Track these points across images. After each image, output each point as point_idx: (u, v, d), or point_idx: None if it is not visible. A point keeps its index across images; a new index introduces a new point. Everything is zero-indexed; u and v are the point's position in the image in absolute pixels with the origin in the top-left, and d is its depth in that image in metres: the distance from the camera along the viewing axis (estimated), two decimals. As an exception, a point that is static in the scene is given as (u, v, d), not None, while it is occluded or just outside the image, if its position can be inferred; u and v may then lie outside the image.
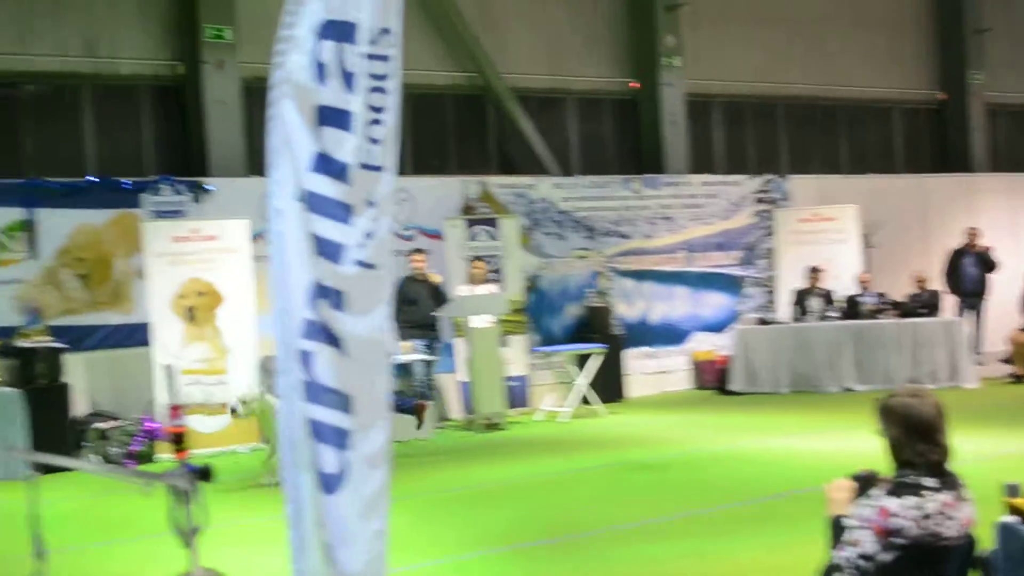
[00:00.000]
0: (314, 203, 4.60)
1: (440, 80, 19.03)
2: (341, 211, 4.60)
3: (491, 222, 17.40)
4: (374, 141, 4.67)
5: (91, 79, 16.82)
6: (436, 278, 16.11)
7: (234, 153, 16.88)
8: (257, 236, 15.46)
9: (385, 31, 4.67)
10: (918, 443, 4.92)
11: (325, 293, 4.57)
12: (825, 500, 5.14)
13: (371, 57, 4.64)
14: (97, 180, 15.60)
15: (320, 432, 4.55)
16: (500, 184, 18.24)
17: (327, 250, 4.59)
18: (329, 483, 4.55)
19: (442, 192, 17.51)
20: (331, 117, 4.62)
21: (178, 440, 3.71)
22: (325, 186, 4.60)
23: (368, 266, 4.63)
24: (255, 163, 17.06)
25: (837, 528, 4.97)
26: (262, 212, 15.54)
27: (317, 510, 4.55)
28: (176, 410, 4.15)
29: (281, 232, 4.63)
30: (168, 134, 17.38)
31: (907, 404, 4.97)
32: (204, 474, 3.59)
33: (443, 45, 19.04)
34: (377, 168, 4.68)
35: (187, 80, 17.15)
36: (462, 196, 17.73)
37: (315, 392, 4.55)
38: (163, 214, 15.54)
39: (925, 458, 4.91)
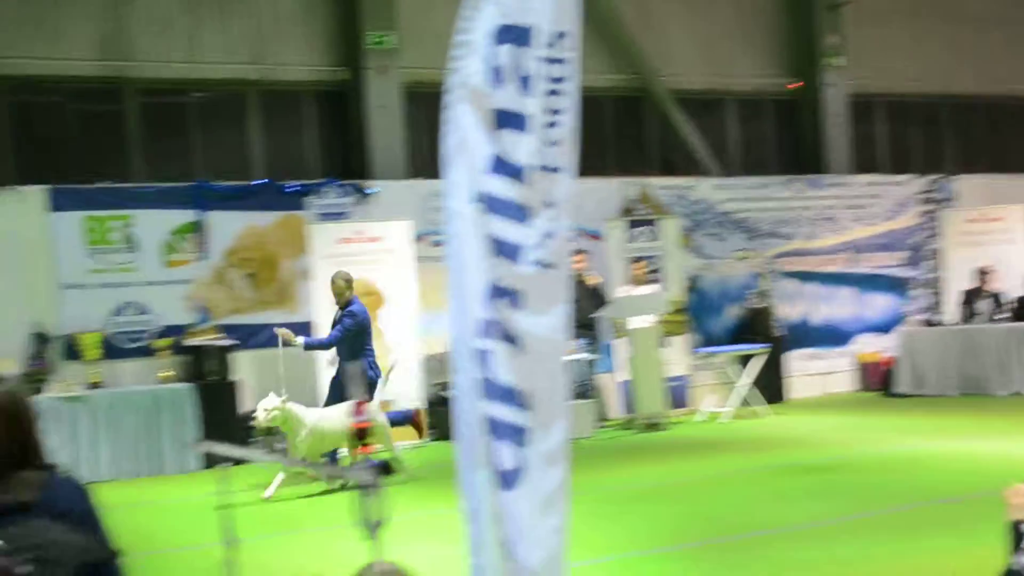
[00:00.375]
0: (491, 204, 4.62)
1: (599, 82, 19.02)
2: (518, 212, 4.62)
3: (651, 223, 17.35)
4: (552, 143, 4.68)
5: (257, 85, 17.20)
6: (595, 279, 16.11)
7: (396, 156, 17.10)
8: (419, 237, 15.67)
9: (562, 34, 4.70)
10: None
11: (502, 293, 4.59)
12: (1005, 504, 5.01)
13: (548, 60, 4.67)
14: (264, 183, 15.93)
15: (497, 429, 4.56)
16: (660, 185, 18.20)
17: (504, 250, 4.60)
18: (506, 480, 4.56)
19: (602, 193, 17.52)
20: (508, 120, 4.64)
21: (362, 435, 3.74)
22: (502, 187, 4.62)
23: (547, 266, 4.65)
24: (416, 165, 17.29)
25: (1017, 533, 4.85)
26: (423, 213, 15.93)
27: (494, 507, 4.57)
28: (361, 406, 4.20)
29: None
30: (332, 138, 17.68)
31: None
32: (387, 469, 3.65)
33: (602, 47, 19.05)
34: (555, 169, 4.70)
35: (350, 85, 17.43)
36: (622, 197, 17.73)
37: (492, 390, 4.57)
38: (327, 216, 15.82)
39: None
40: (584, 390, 15.77)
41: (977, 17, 22.37)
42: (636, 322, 15.88)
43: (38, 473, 3.69)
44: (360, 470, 3.49)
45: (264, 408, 11.91)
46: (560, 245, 4.69)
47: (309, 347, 13.20)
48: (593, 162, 18.83)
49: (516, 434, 4.57)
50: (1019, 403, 16.50)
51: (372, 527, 3.54)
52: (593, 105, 18.98)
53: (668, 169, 19.74)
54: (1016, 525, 4.89)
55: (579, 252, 16.20)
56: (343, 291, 12.96)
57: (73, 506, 3.67)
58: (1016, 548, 4.81)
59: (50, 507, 3.60)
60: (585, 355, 15.83)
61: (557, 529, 4.61)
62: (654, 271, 17.01)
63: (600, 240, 17.10)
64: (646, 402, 15.79)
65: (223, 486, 4.73)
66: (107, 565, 3.60)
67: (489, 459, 4.57)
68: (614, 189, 17.75)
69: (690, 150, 19.73)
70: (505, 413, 4.56)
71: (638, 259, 16.72)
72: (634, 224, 17.26)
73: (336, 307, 13.09)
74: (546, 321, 4.63)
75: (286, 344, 12.84)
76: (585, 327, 15.92)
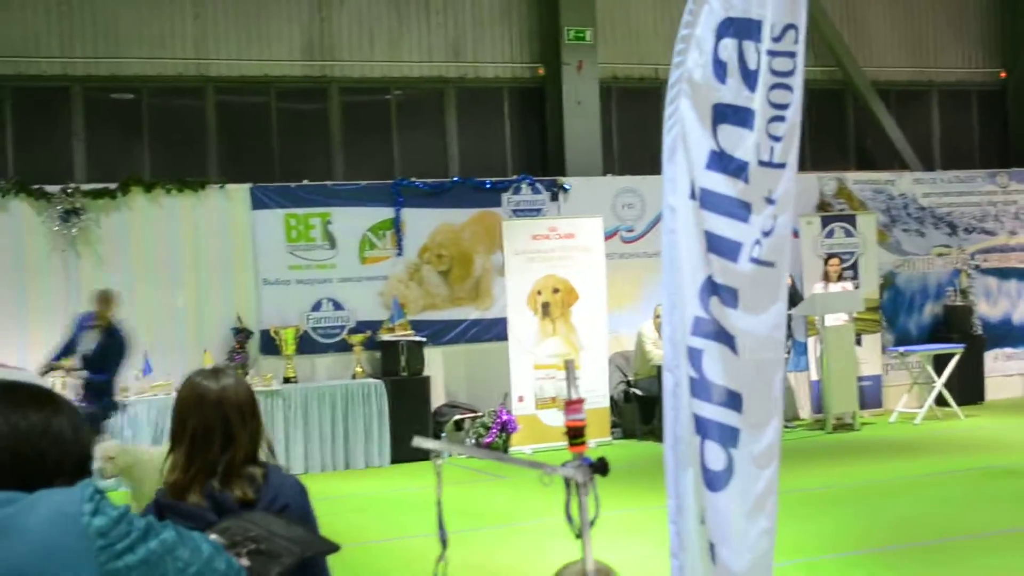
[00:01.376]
0: (709, 200, 4.57)
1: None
2: (738, 208, 4.56)
3: (848, 219, 17.09)
4: (775, 138, 4.61)
5: (456, 83, 17.49)
6: (788, 277, 15.90)
7: (591, 152, 17.19)
8: (611, 234, 15.74)
9: (790, 26, 4.63)
10: None
11: (718, 290, 4.54)
12: None
13: (774, 54, 4.60)
14: (459, 180, 16.17)
15: (706, 429, 4.54)
16: (858, 180, 17.93)
17: (722, 247, 4.56)
18: (714, 480, 4.54)
19: (798, 188, 17.12)
20: (730, 115, 4.59)
21: (576, 433, 3.77)
22: (721, 184, 4.57)
23: (765, 263, 4.57)
24: (610, 162, 17.35)
25: None
26: (615, 210, 15.95)
27: (700, 507, 4.56)
28: (574, 404, 4.23)
29: (674, 230, 4.64)
30: (527, 135, 17.86)
31: None
32: (600, 467, 3.68)
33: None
34: (778, 165, 4.65)
35: (547, 81, 17.56)
36: (818, 192, 17.51)
37: (703, 389, 4.54)
38: (521, 212, 15.98)
39: None
40: (775, 388, 15.62)
41: None
42: (830, 320, 15.68)
43: (261, 469, 3.80)
44: (573, 468, 3.54)
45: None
46: (779, 243, 4.63)
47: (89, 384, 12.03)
48: (789, 157, 18.62)
49: (726, 434, 4.54)
50: None
51: (583, 525, 3.60)
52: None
53: (867, 163, 19.42)
54: None
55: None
56: (107, 310, 12.20)
57: (291, 502, 3.77)
58: None
59: (271, 503, 3.71)
60: (779, 352, 15.67)
61: (766, 531, 4.58)
62: (849, 268, 16.77)
63: (795, 236, 16.90)
64: (838, 402, 15.60)
65: (435, 478, 4.82)
66: (316, 560, 3.67)
67: (697, 458, 4.57)
68: (811, 184, 17.53)
69: (891, 143, 19.37)
70: (715, 413, 4.53)
71: (833, 255, 16.49)
72: (830, 220, 17.03)
73: (94, 326, 12.18)
74: (762, 320, 4.57)
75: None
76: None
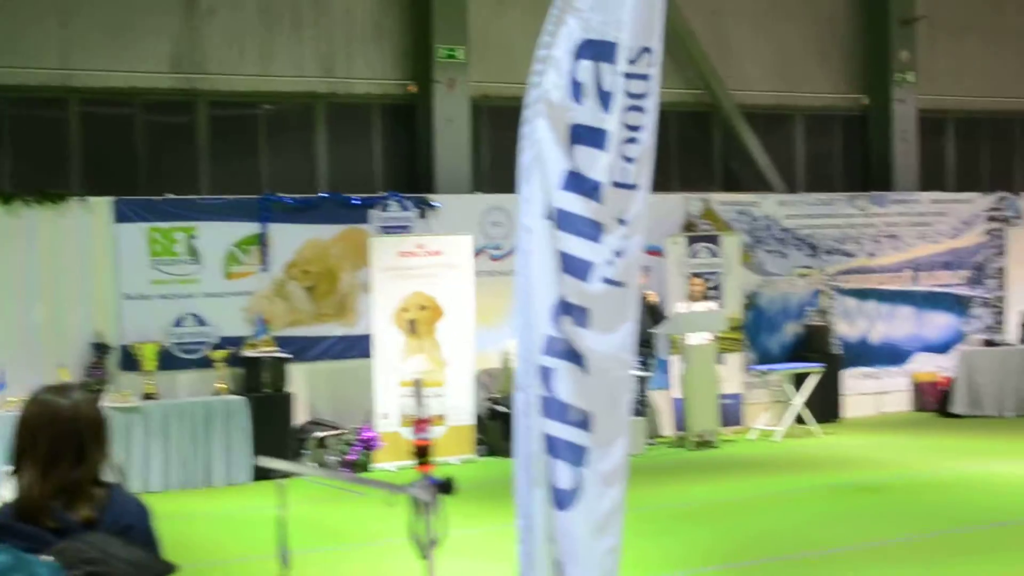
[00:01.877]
0: (563, 221, 4.62)
1: (666, 96, 18.72)
2: (591, 229, 4.61)
3: (713, 239, 17.36)
4: (629, 160, 4.68)
5: (326, 98, 17.42)
6: (653, 296, 16.12)
7: (460, 170, 17.25)
8: (479, 252, 15.80)
9: (646, 50, 4.69)
10: None
11: (569, 310, 4.59)
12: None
13: (630, 76, 4.66)
14: (328, 196, 16.10)
15: (556, 448, 4.58)
16: (723, 201, 18.19)
17: (574, 267, 4.60)
18: (563, 499, 4.58)
19: (664, 209, 17.50)
20: (585, 136, 4.64)
21: (422, 453, 3.79)
22: (575, 204, 4.62)
23: (615, 283, 4.63)
24: (480, 180, 17.42)
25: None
26: (483, 228, 16.02)
27: (549, 526, 4.59)
28: (422, 423, 4.24)
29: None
30: (397, 151, 17.86)
31: None
32: (446, 487, 3.69)
33: (670, 61, 18.99)
34: (631, 187, 4.70)
35: (418, 99, 17.58)
36: (684, 213, 17.74)
37: (553, 408, 4.58)
38: (389, 229, 15.95)
39: None
40: (637, 407, 15.83)
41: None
42: (693, 339, 15.90)
43: (104, 489, 3.68)
44: (419, 488, 3.54)
45: None
46: (630, 263, 4.68)
47: None
48: (656, 177, 18.77)
49: (575, 453, 4.58)
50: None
51: (427, 545, 3.60)
52: (659, 119, 18.99)
53: (732, 185, 19.74)
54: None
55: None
56: None
57: (134, 523, 3.67)
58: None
59: (112, 524, 3.60)
60: (640, 372, 15.88)
61: (612, 549, 4.64)
62: (713, 288, 17.03)
63: (660, 256, 17.11)
64: (699, 419, 15.83)
65: (278, 499, 4.78)
66: None
67: (546, 477, 4.60)
68: (676, 204, 17.75)
69: (756, 166, 19.71)
70: (565, 432, 4.57)
71: (697, 275, 16.73)
72: (695, 240, 17.28)
73: None
74: (611, 339, 4.63)
75: None
76: (642, 344, 15.93)
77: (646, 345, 16.04)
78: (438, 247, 15.41)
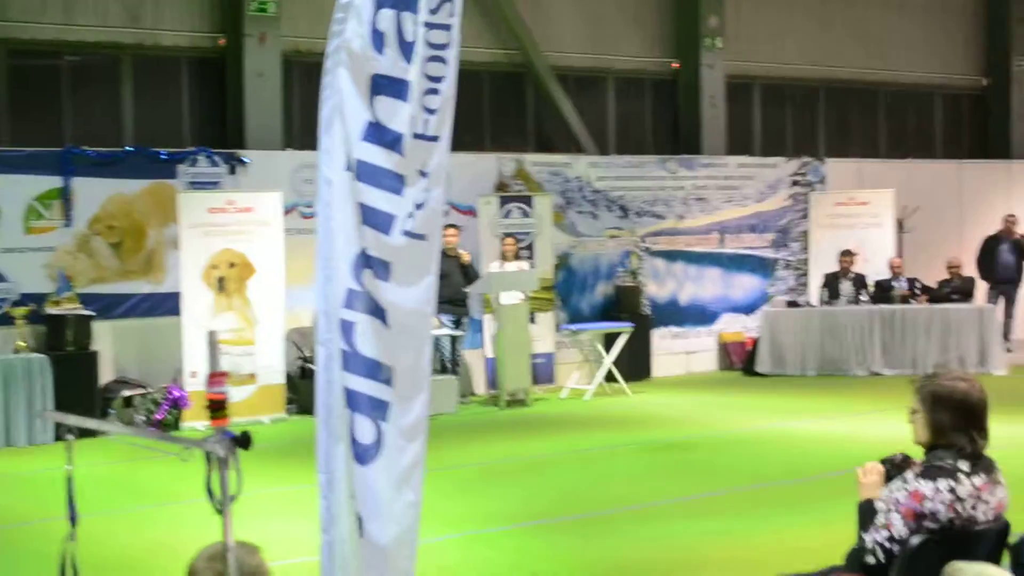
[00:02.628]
0: (364, 173, 4.53)
1: (479, 56, 18.99)
2: (392, 181, 4.54)
3: (525, 200, 17.42)
4: (430, 111, 4.61)
5: (132, 50, 16.91)
6: (466, 255, 16.12)
7: (271, 126, 16.95)
8: (289, 209, 15.57)
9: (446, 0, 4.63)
10: (970, 428, 4.91)
11: (371, 263, 4.52)
12: (856, 483, 5.16)
13: (431, 26, 4.59)
14: (133, 150, 15.67)
15: (357, 402, 4.52)
16: (535, 162, 18.25)
17: (375, 220, 4.53)
18: (363, 454, 4.52)
19: (477, 169, 17.52)
20: (386, 86, 4.55)
21: (217, 407, 3.68)
22: (376, 156, 4.53)
23: (417, 237, 4.58)
24: (291, 136, 17.15)
25: (867, 511, 4.99)
26: (295, 185, 15.78)
27: (350, 481, 4.55)
28: (216, 377, 4.12)
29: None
30: (206, 106, 17.46)
31: (963, 389, 4.94)
32: (242, 442, 3.59)
33: (484, 21, 19.04)
34: (431, 138, 4.64)
35: (228, 52, 17.20)
36: (497, 173, 17.76)
37: (354, 362, 4.51)
38: (198, 185, 15.62)
39: (975, 443, 4.89)
40: (450, 366, 15.88)
41: (855, 2, 22.77)
42: (505, 298, 15.94)
43: None
44: (214, 442, 3.44)
45: None
46: (431, 216, 4.63)
47: None
48: (469, 137, 18.86)
49: (376, 408, 4.53)
50: (876, 384, 16.94)
51: (224, 502, 3.51)
52: (472, 79, 18.96)
53: (545, 146, 19.82)
54: (867, 504, 5.04)
55: (452, 227, 16.21)
56: None
57: None
58: (866, 526, 4.95)
59: None
60: (453, 331, 15.91)
61: (412, 504, 4.61)
62: (526, 248, 17.10)
63: (473, 215, 17.12)
64: (511, 378, 15.89)
65: (67, 456, 4.66)
66: None
67: (347, 432, 4.54)
68: (489, 165, 17.76)
69: (568, 127, 19.83)
70: (366, 386, 4.51)
71: (509, 235, 16.78)
72: (507, 200, 17.31)
73: None
74: (413, 293, 4.58)
75: None
76: (455, 303, 15.97)
77: (459, 304, 16.06)
78: (248, 204, 15.12)
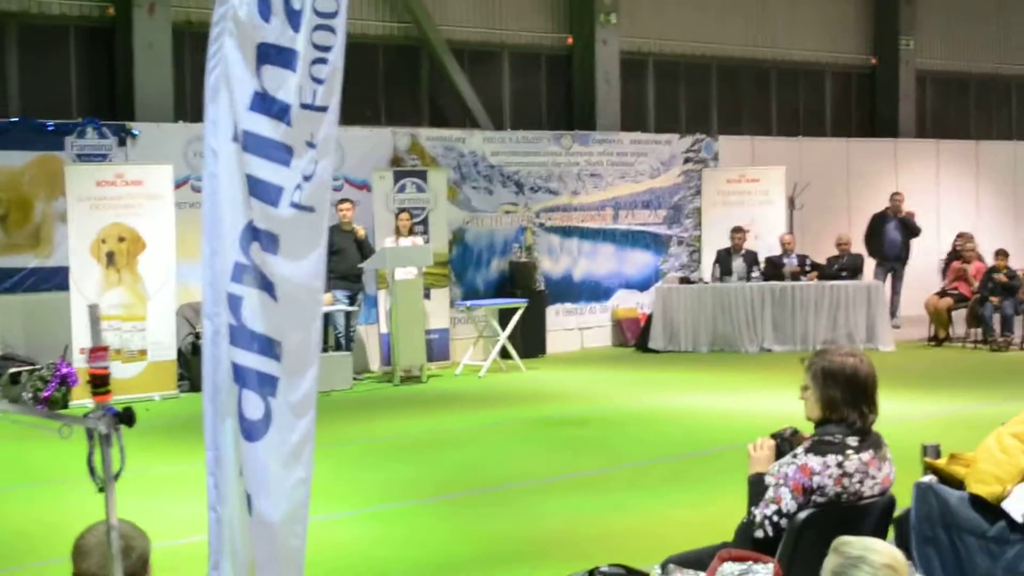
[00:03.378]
0: (251, 143, 4.45)
1: (373, 30, 18.87)
2: (280, 152, 4.46)
3: (420, 174, 17.33)
4: (318, 81, 4.54)
5: (18, 18, 16.53)
6: (361, 230, 16.02)
7: (161, 98, 16.67)
8: (181, 182, 15.33)
9: None
10: (860, 403, 4.97)
11: (259, 236, 4.45)
12: (746, 458, 5.21)
13: None
14: (19, 120, 15.33)
15: (245, 378, 4.44)
16: (430, 137, 18.17)
17: (263, 192, 4.45)
18: (251, 430, 4.45)
19: (371, 143, 17.41)
20: (274, 55, 4.47)
21: (99, 382, 3.59)
22: (264, 126, 4.45)
23: (305, 208, 4.51)
24: (182, 109, 16.89)
25: (758, 486, 5.04)
26: (187, 158, 15.52)
27: (238, 458, 4.48)
28: (97, 352, 4.02)
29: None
30: (95, 77, 17.16)
31: (853, 365, 5.01)
32: (125, 418, 3.50)
33: (378, -6, 18.94)
34: (320, 109, 4.58)
35: (117, 22, 16.88)
36: (391, 148, 17.64)
37: (242, 337, 4.43)
38: (86, 157, 15.32)
39: (865, 418, 4.96)
40: (344, 341, 15.80)
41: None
42: (400, 274, 15.86)
43: None
44: (95, 419, 3.36)
45: None
46: (319, 188, 4.57)
47: None
48: (364, 111, 18.74)
49: (264, 383, 4.46)
50: (766, 359, 17.15)
51: (107, 480, 3.43)
52: (366, 53, 18.84)
53: (440, 120, 19.75)
54: (757, 478, 5.08)
55: (346, 202, 16.09)
56: None
57: None
58: (756, 500, 5.00)
59: None
60: (347, 307, 15.82)
61: (302, 481, 4.54)
62: (420, 223, 17.02)
63: (367, 190, 17.00)
64: (406, 355, 15.84)
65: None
66: None
67: (235, 409, 4.47)
68: (384, 139, 17.65)
69: (463, 102, 19.77)
70: (254, 361, 4.44)
71: (404, 210, 16.68)
72: (402, 175, 17.21)
73: None
74: (302, 266, 4.51)
75: None
76: (350, 278, 15.89)
77: (355, 280, 15.98)
78: (138, 177, 14.86)
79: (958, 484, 5.00)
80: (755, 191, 20.13)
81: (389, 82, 19.62)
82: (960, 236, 19.96)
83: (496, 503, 9.35)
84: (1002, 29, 26.48)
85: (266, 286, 4.46)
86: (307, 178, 4.51)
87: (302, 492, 4.55)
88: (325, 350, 15.46)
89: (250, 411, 4.45)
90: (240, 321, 4.45)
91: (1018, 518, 4.74)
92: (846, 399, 4.97)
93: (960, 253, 19.41)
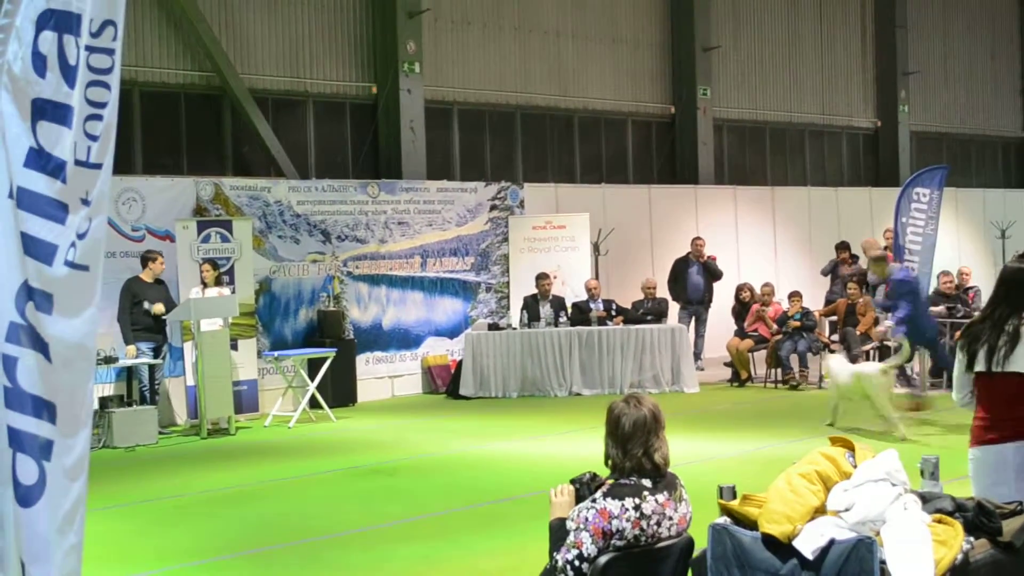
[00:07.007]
0: (27, 201, 4.37)
1: (175, 78, 18.65)
2: (55, 209, 4.40)
3: (224, 224, 17.10)
4: (92, 137, 4.48)
5: None
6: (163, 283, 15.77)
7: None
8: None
9: (109, 22, 4.51)
10: (633, 447, 5.09)
11: (33, 295, 4.36)
12: (549, 503, 5.26)
13: (92, 50, 4.47)
14: None
15: (20, 442, 4.33)
16: (234, 186, 17.94)
17: (38, 250, 4.37)
18: (26, 496, 4.34)
19: (174, 193, 17.13)
20: (49, 111, 4.41)
21: None
22: (40, 183, 4.38)
23: (79, 267, 4.44)
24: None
25: (559, 531, 5.10)
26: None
27: (17, 524, 4.35)
28: None
29: None
30: None
31: (622, 410, 5.16)
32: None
33: (179, 42, 18.68)
34: (94, 166, 4.51)
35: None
36: (194, 197, 17.37)
37: (17, 399, 4.33)
38: None
39: (639, 461, 5.08)
40: (149, 395, 15.47)
41: (551, 31, 23.37)
42: (206, 325, 15.61)
43: None
44: None
45: None
46: (93, 245, 4.50)
47: None
48: (166, 160, 18.45)
49: (39, 447, 4.36)
50: (574, 403, 17.35)
51: None
52: (167, 101, 18.60)
53: (244, 170, 19.57)
54: (558, 523, 5.13)
55: (153, 253, 15.82)
56: None
57: None
58: (557, 545, 5.04)
59: None
60: (151, 359, 15.50)
61: (74, 547, 4.44)
62: (226, 273, 16.78)
63: (171, 240, 16.70)
64: (213, 406, 15.58)
65: None
66: None
67: (11, 474, 4.35)
68: (186, 188, 17.36)
69: (267, 150, 19.62)
70: (29, 424, 4.34)
71: (209, 260, 16.43)
72: (206, 225, 16.96)
73: None
74: (75, 325, 4.43)
75: None
76: (153, 330, 15.58)
77: (158, 332, 15.68)
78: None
79: (752, 524, 5.11)
80: (561, 237, 20.39)
81: (191, 131, 19.38)
82: (765, 285, 20.32)
83: (307, 554, 9.24)
84: (794, 80, 27.46)
85: (41, 346, 4.37)
86: (81, 236, 4.45)
87: (74, 559, 4.46)
88: (130, 404, 15.16)
89: (25, 476, 4.35)
90: (15, 383, 4.35)
91: (809, 555, 4.87)
92: (622, 443, 5.10)
93: (745, 303, 19.85)
